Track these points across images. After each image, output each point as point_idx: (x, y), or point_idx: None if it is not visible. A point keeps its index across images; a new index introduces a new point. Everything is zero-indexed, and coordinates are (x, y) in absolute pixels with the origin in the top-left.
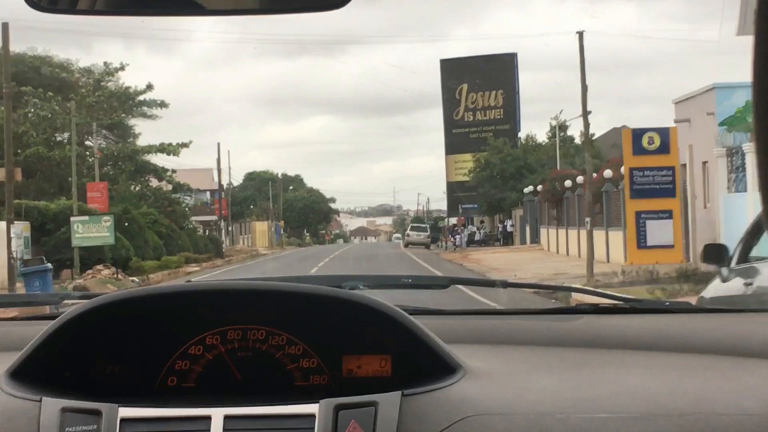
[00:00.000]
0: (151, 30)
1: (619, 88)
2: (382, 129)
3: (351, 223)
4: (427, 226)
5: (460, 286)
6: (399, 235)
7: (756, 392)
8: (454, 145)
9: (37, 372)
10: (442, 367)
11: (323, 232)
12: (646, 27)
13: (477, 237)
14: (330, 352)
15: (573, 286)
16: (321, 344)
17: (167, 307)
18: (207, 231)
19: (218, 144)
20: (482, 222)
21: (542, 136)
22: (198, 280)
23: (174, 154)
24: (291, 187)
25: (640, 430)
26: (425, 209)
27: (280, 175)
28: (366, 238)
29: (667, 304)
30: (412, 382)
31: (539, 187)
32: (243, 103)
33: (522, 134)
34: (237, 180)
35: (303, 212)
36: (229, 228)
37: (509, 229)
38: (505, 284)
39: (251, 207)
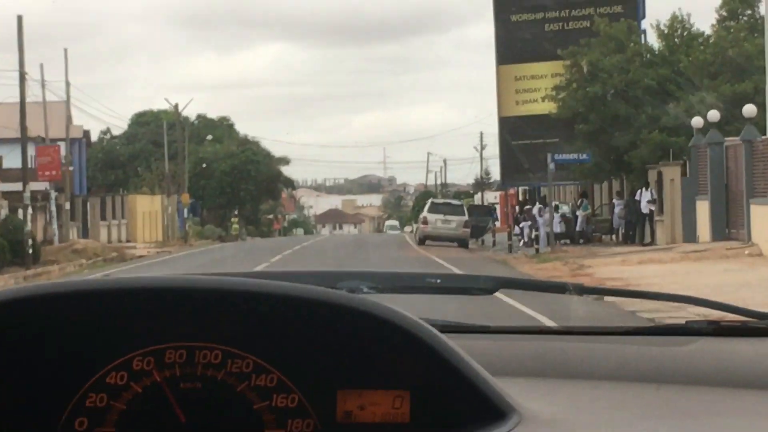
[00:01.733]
0: None
1: None
2: (366, 62)
3: (318, 203)
4: (462, 205)
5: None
6: (395, 223)
7: None
8: (513, 47)
9: None
10: (485, 411)
11: (270, 216)
12: None
13: (558, 228)
14: (319, 384)
15: (682, 294)
16: (306, 373)
17: (75, 314)
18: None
19: (18, 18)
20: (583, 196)
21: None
22: (124, 276)
23: None
24: (209, 137)
25: None
26: (440, 181)
27: (191, 117)
28: (340, 227)
29: None
30: (440, 431)
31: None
32: (155, 23)
33: (647, 22)
34: (120, 125)
35: (231, 179)
36: (66, 206)
37: (646, 207)
38: (581, 290)
39: (139, 171)
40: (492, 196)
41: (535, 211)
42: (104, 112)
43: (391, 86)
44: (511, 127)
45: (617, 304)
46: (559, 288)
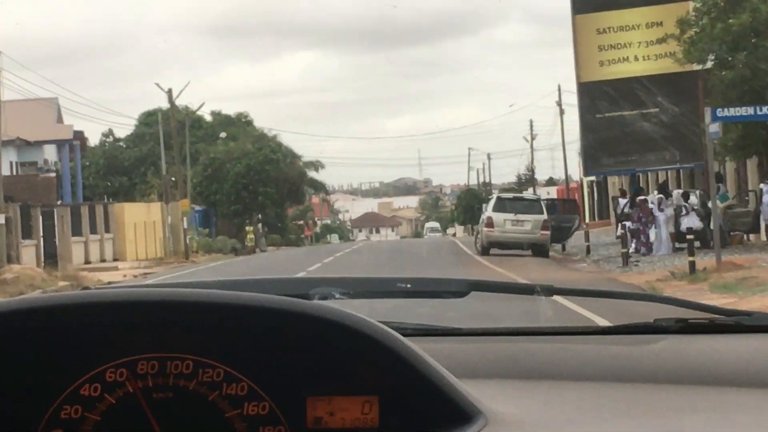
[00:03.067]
0: None
1: None
2: (397, 67)
3: (353, 207)
4: (539, 200)
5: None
6: (436, 224)
7: None
8: None
9: None
10: (452, 414)
11: (299, 222)
12: None
13: (690, 222)
14: (289, 392)
15: (650, 293)
16: (276, 381)
17: (49, 327)
18: None
19: None
20: (718, 181)
21: None
22: (98, 288)
23: None
24: (223, 135)
25: None
26: (484, 179)
27: (207, 116)
28: (377, 231)
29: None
30: None
31: None
32: (187, 34)
33: None
34: (127, 126)
35: (247, 182)
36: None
37: None
38: (550, 291)
39: (148, 177)
40: (544, 192)
41: (652, 202)
42: (116, 114)
43: (422, 89)
44: (595, 96)
45: None
46: (528, 290)
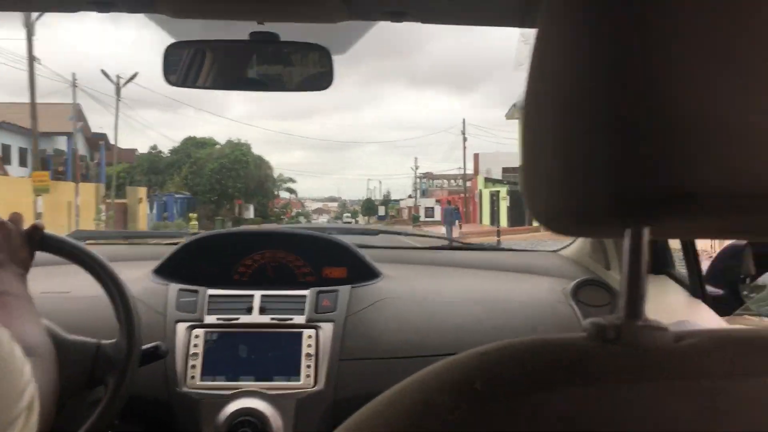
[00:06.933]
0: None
1: None
2: (337, 160)
3: (312, 205)
4: None
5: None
6: (348, 215)
7: (532, 289)
8: None
9: (168, 271)
10: (372, 274)
11: (283, 209)
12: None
13: None
14: (317, 264)
15: (434, 234)
16: (313, 260)
17: (236, 239)
18: None
19: None
20: None
21: None
22: (251, 227)
23: None
24: (218, 146)
25: (472, 308)
26: (371, 195)
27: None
28: (322, 215)
29: (485, 245)
30: (357, 280)
31: None
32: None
33: None
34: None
35: (220, 177)
36: None
37: None
38: (407, 233)
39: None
40: (430, 202)
41: None
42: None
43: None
44: None
45: None
46: (398, 233)
